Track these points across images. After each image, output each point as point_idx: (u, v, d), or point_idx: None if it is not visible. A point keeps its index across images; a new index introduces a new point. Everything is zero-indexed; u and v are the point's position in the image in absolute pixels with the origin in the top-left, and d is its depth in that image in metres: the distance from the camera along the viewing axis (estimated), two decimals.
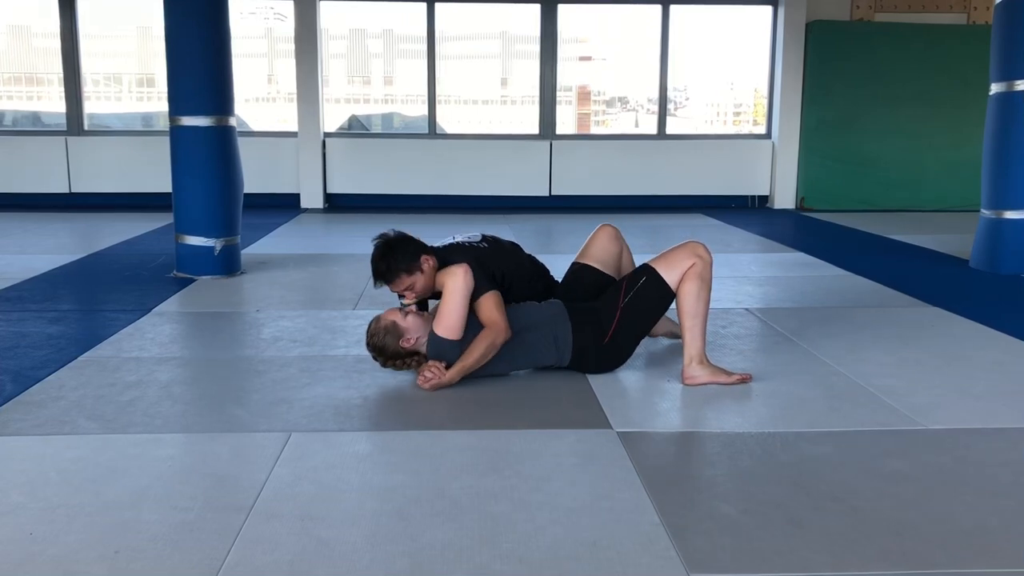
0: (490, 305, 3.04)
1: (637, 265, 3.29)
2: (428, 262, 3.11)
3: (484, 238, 3.36)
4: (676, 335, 3.45)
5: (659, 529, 2.02)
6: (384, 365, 3.13)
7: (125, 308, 4.24)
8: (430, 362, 3.04)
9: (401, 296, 3.19)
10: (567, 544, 1.95)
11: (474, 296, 3.04)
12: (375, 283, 3.15)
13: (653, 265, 3.15)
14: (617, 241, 3.51)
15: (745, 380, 3.11)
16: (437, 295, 3.18)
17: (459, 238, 3.34)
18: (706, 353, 3.13)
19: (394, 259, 3.09)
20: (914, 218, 8.11)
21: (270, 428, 2.67)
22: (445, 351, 3.04)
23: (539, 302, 3.28)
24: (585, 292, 3.33)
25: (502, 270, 3.25)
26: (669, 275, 3.10)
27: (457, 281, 3.01)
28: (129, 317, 4.05)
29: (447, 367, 3.02)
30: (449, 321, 3.01)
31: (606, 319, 3.14)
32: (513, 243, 3.48)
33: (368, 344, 3.12)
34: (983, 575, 1.85)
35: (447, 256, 3.16)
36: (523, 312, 3.17)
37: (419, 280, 3.10)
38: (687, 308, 3.08)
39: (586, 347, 3.14)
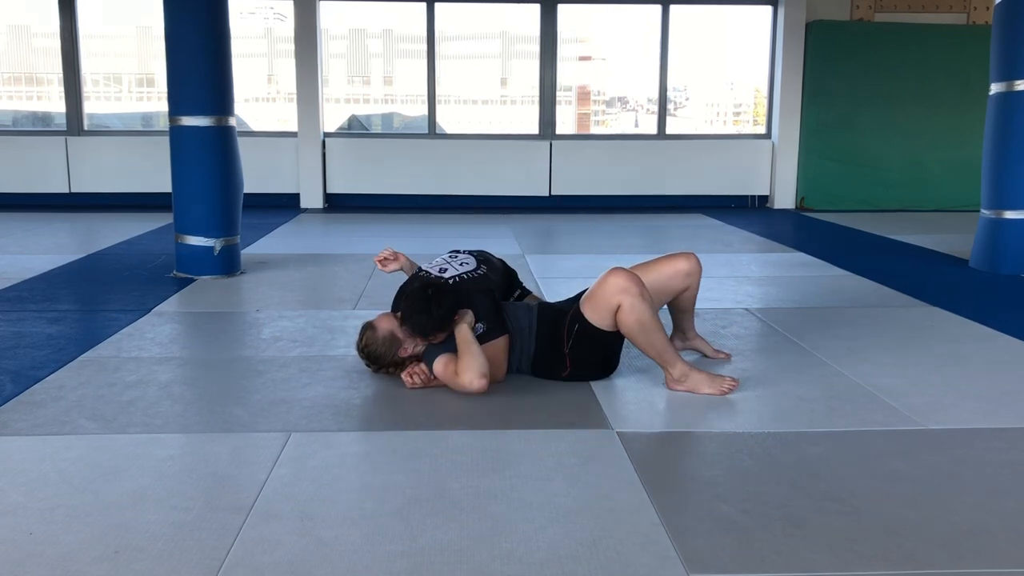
0: (497, 349, 3.01)
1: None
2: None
3: (479, 262, 3.33)
4: (701, 352, 3.42)
5: (659, 529, 2.02)
6: (377, 372, 3.11)
7: (125, 308, 4.24)
8: (421, 365, 3.03)
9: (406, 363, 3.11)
10: (567, 544, 1.95)
11: (484, 339, 3.00)
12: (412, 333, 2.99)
13: (582, 309, 3.01)
14: (686, 279, 3.22)
15: (730, 390, 2.99)
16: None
17: (458, 266, 3.27)
18: (679, 366, 3.00)
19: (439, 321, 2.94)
20: (914, 218, 8.11)
21: (270, 428, 2.67)
22: (436, 354, 3.03)
23: (522, 304, 3.27)
24: None
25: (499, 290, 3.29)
26: (599, 318, 2.97)
27: (496, 349, 2.99)
28: (129, 317, 4.05)
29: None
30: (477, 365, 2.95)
31: (559, 359, 3.07)
32: (488, 256, 3.49)
33: (362, 352, 3.08)
34: (983, 575, 1.85)
35: (471, 298, 3.06)
36: (512, 313, 3.14)
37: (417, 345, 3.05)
38: (637, 343, 2.98)
39: (548, 373, 3.11)
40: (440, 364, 2.96)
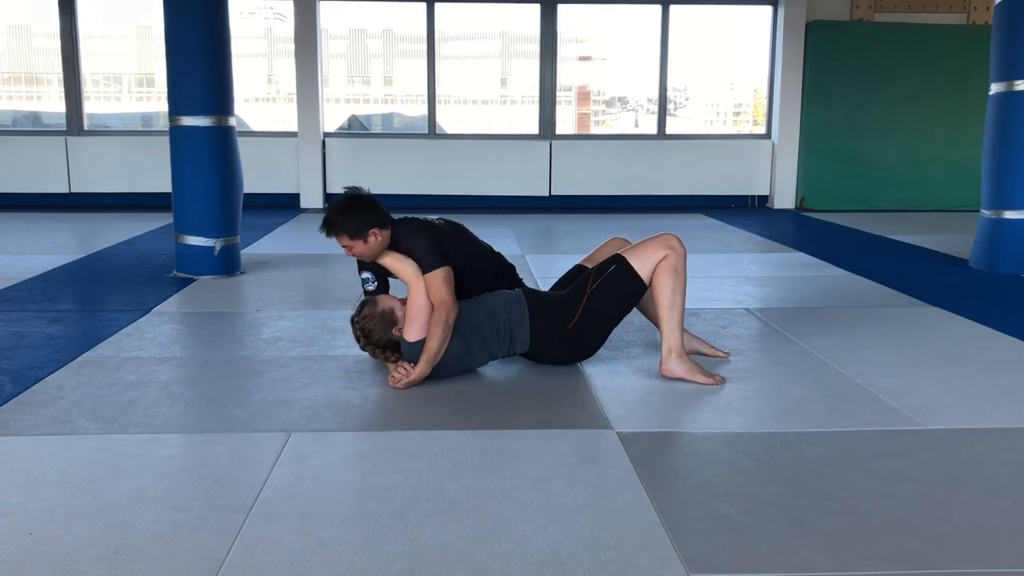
0: (439, 281, 3.04)
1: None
2: (376, 236, 3.11)
3: (442, 219, 3.37)
4: (700, 352, 3.43)
5: (659, 529, 2.02)
6: (363, 348, 3.14)
7: (125, 308, 4.24)
8: (400, 363, 3.06)
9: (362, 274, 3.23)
10: (567, 544, 1.95)
11: (424, 272, 3.06)
12: (320, 228, 3.16)
13: (624, 255, 3.15)
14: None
15: (719, 383, 3.09)
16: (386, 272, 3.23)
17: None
18: (684, 348, 3.14)
19: (346, 219, 3.09)
20: (914, 218, 8.11)
21: (270, 428, 2.67)
22: (414, 353, 3.05)
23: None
24: None
25: (462, 254, 3.25)
26: (640, 265, 3.10)
27: (431, 280, 3.04)
28: (129, 317, 4.05)
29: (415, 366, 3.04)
30: (421, 320, 3.02)
31: (571, 305, 3.14)
32: (462, 227, 3.50)
33: (355, 323, 3.11)
34: (983, 575, 1.85)
35: (402, 229, 3.16)
36: (480, 303, 3.17)
37: (358, 246, 3.11)
38: (663, 300, 3.08)
39: (548, 333, 3.15)
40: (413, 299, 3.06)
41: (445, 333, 3.01)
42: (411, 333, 3.03)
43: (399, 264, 3.11)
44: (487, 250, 3.45)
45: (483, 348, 3.13)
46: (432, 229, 3.20)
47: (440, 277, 3.04)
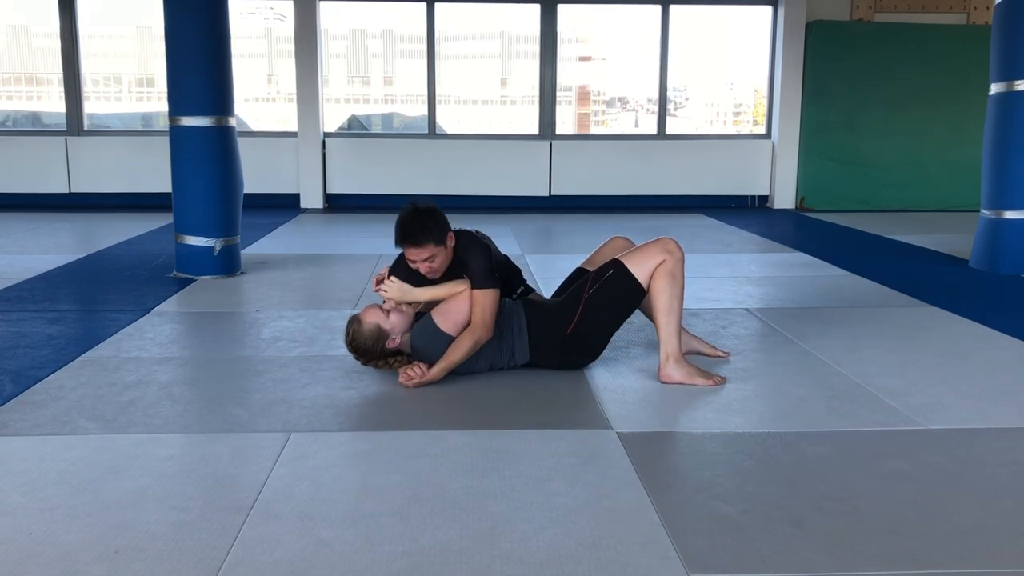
0: (488, 302, 3.04)
1: None
2: (452, 239, 3.09)
3: (478, 231, 3.37)
4: (700, 352, 3.43)
5: (659, 529, 2.02)
6: (366, 364, 3.13)
7: (125, 308, 4.24)
8: (414, 362, 3.06)
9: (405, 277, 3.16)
10: (567, 544, 1.95)
11: (475, 286, 3.05)
12: (399, 243, 3.03)
13: (622, 259, 3.15)
14: (625, 250, 3.45)
15: (718, 383, 3.10)
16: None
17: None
18: (680, 346, 3.13)
19: (429, 224, 3.00)
20: (914, 218, 8.11)
21: (270, 428, 2.67)
22: (433, 342, 3.04)
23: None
24: None
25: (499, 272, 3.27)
26: (638, 270, 3.10)
27: (480, 297, 3.04)
28: (129, 317, 4.05)
29: (429, 367, 3.04)
30: (457, 318, 3.04)
31: (569, 310, 3.14)
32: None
33: (350, 346, 3.09)
34: (983, 575, 1.85)
35: (460, 239, 3.14)
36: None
37: (442, 254, 3.06)
38: (660, 305, 3.08)
39: (546, 341, 3.16)
40: (442, 316, 3.06)
41: (471, 351, 3.03)
42: (444, 323, 3.04)
43: (448, 289, 3.10)
44: (502, 261, 3.47)
45: (486, 353, 3.13)
46: (486, 247, 3.18)
47: (490, 298, 3.04)
